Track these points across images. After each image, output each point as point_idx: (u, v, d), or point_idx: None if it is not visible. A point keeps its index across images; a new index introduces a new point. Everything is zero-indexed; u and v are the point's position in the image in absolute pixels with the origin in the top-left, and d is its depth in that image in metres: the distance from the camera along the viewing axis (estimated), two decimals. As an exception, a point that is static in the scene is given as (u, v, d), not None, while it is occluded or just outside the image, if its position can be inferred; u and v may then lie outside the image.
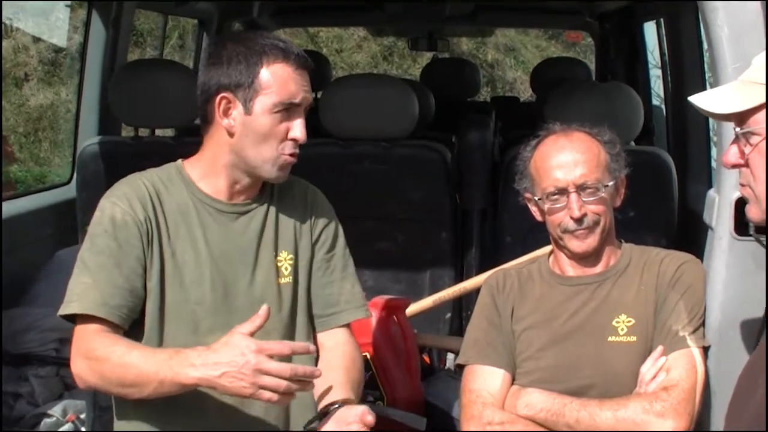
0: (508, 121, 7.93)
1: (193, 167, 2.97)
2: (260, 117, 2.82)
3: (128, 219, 2.81)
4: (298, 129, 2.85)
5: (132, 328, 2.83)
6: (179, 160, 3.00)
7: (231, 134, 2.86)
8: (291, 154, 2.87)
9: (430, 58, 11.09)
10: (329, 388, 2.90)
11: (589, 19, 7.92)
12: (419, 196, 4.90)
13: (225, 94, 2.84)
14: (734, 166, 2.45)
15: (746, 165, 2.40)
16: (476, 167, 5.14)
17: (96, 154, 4.93)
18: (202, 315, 2.87)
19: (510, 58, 18.19)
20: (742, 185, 2.46)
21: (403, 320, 4.06)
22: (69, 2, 11.97)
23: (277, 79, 2.81)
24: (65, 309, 2.77)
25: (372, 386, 3.89)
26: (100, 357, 2.68)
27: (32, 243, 4.72)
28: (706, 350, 2.98)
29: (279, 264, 2.98)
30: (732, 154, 2.42)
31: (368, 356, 3.91)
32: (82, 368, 2.72)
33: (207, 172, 2.94)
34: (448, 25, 8.94)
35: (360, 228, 4.92)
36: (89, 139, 5.10)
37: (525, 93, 15.93)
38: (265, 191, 3.02)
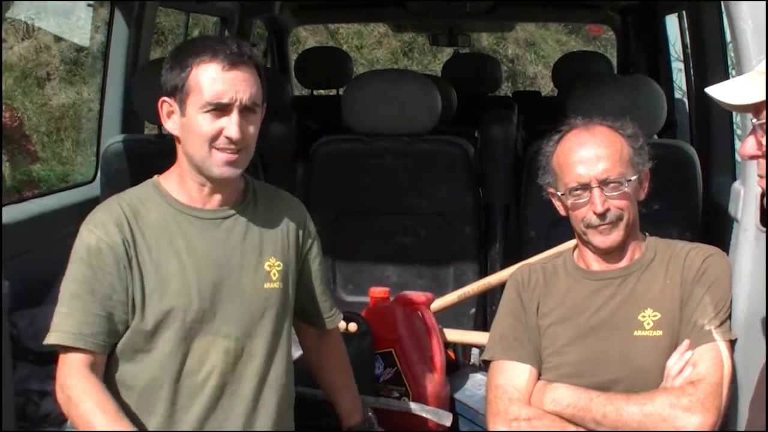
0: (531, 116, 7.91)
1: (168, 180, 3.01)
2: (192, 117, 2.85)
3: (102, 246, 2.85)
4: (230, 128, 2.84)
5: (123, 340, 2.91)
6: (155, 176, 3.05)
7: (178, 139, 2.93)
8: (227, 151, 2.87)
9: (450, 54, 11.07)
10: (347, 399, 3.45)
11: (611, 12, 7.90)
12: (442, 191, 4.90)
13: (165, 98, 2.91)
14: (751, 158, 2.42)
15: (763, 156, 2.37)
16: (499, 162, 5.13)
17: (120, 152, 4.96)
18: (190, 323, 2.90)
19: (530, 52, 18.14)
20: (760, 176, 2.43)
21: (428, 316, 4.05)
22: (91, 2, 12.00)
23: (205, 80, 2.83)
24: (47, 339, 2.87)
25: (397, 382, 3.90)
26: (71, 399, 2.80)
27: (56, 241, 4.71)
28: (732, 344, 2.96)
29: (267, 269, 3.02)
30: (749, 145, 2.39)
31: (393, 352, 3.92)
32: (60, 398, 2.84)
33: (179, 180, 2.99)
34: (469, 20, 8.92)
35: (383, 223, 4.96)
36: (113, 138, 5.13)
37: (546, 87, 15.89)
38: (247, 196, 3.06)
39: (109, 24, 5.55)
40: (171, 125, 2.92)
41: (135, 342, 2.89)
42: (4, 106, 11.94)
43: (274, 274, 3.02)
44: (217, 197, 2.98)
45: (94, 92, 12.82)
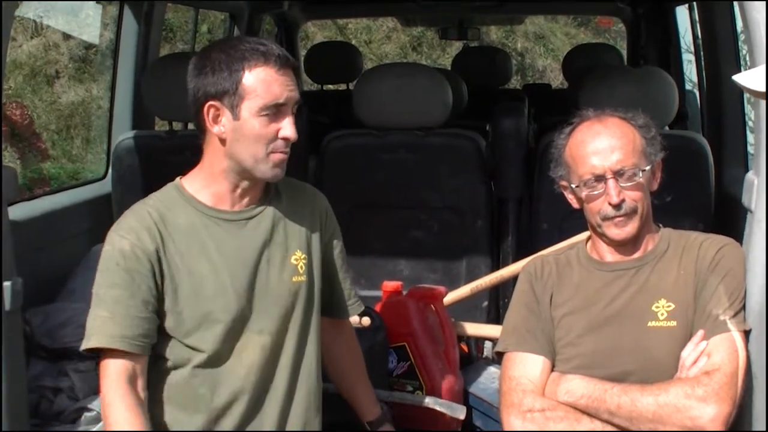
0: (541, 108, 7.91)
1: (192, 181, 3.02)
2: (248, 121, 2.87)
3: (138, 251, 2.86)
4: (287, 128, 2.89)
5: (162, 343, 2.92)
6: (177, 179, 3.06)
7: (223, 141, 2.91)
8: (280, 151, 2.92)
9: (459, 48, 11.04)
10: (365, 392, 3.47)
11: (621, 4, 7.87)
12: (454, 185, 4.90)
13: (212, 102, 2.89)
14: None
15: None
16: (511, 155, 5.11)
17: (131, 148, 4.96)
18: (231, 323, 2.93)
19: (539, 45, 18.12)
20: None
21: (441, 309, 4.05)
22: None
23: (260, 83, 2.85)
24: (86, 343, 2.85)
25: (411, 376, 3.91)
26: (105, 404, 2.82)
27: (68, 238, 4.74)
28: (747, 334, 2.94)
29: (294, 262, 3.05)
30: None
31: (407, 346, 3.92)
32: (102, 405, 2.85)
33: (207, 181, 3.00)
34: (479, 14, 8.91)
35: (395, 217, 4.96)
36: (124, 134, 5.13)
37: (555, 80, 15.86)
38: (269, 193, 3.08)
39: (119, 21, 5.55)
40: (218, 129, 2.91)
41: (175, 347, 2.92)
42: (14, 104, 11.99)
43: (301, 267, 3.05)
44: (246, 198, 3.01)
45: (103, 89, 12.84)
